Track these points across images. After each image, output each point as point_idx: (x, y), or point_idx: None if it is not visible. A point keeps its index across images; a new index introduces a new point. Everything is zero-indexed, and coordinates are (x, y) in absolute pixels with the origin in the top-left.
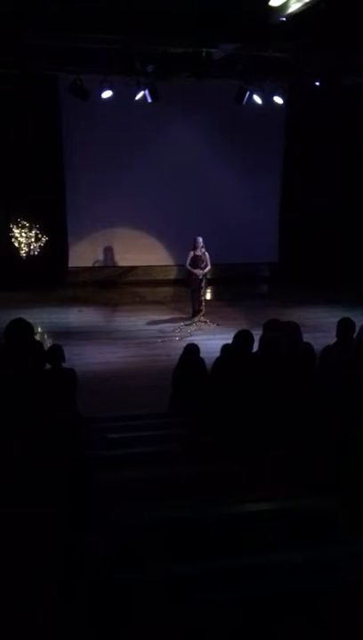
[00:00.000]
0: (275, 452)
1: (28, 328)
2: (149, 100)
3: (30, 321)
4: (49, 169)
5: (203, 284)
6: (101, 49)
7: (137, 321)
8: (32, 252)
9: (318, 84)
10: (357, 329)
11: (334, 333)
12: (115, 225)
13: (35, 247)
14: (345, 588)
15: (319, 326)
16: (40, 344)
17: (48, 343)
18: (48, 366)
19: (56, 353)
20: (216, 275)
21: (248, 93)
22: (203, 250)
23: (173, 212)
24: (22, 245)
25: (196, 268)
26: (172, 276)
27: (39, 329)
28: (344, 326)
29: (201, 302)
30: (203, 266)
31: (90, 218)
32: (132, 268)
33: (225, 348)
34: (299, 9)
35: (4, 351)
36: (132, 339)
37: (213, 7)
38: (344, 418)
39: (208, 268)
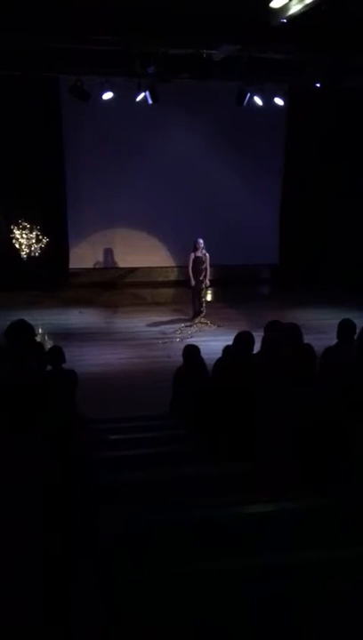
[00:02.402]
0: (276, 453)
1: (29, 329)
2: (150, 102)
3: (31, 322)
4: (50, 170)
5: (204, 286)
6: (102, 50)
7: (138, 322)
8: (33, 254)
9: (318, 85)
10: (357, 330)
11: (334, 335)
12: (115, 226)
13: (35, 248)
14: (346, 590)
15: (320, 327)
16: (41, 345)
17: (49, 344)
18: (49, 367)
19: (57, 354)
20: (217, 276)
21: (249, 95)
22: (204, 251)
23: (174, 213)
24: (23, 247)
25: (197, 269)
26: (172, 277)
27: (40, 330)
28: (345, 327)
29: (202, 303)
30: (203, 275)
31: (91, 219)
32: (132, 270)
33: (226, 349)
34: (299, 10)
35: (5, 352)
36: (132, 340)
37: (214, 9)
38: (345, 418)
39: (208, 271)
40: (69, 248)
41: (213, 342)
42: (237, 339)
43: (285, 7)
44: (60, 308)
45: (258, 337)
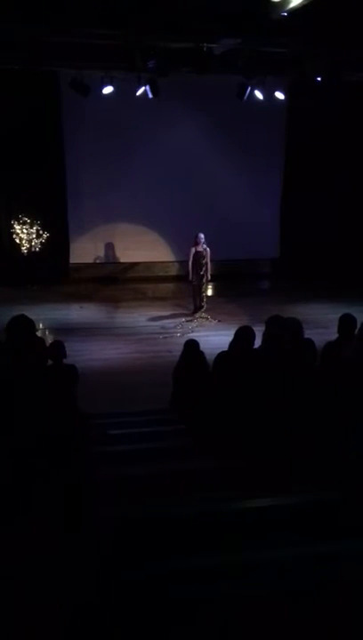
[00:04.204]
0: (276, 448)
1: (30, 324)
2: (150, 96)
3: (32, 317)
4: (50, 165)
5: (204, 281)
6: (102, 44)
7: (138, 317)
8: (33, 249)
9: (319, 79)
10: (358, 325)
11: (335, 329)
12: (116, 221)
13: (36, 243)
14: (346, 584)
15: (321, 322)
16: (41, 340)
17: (49, 339)
18: (49, 362)
19: (57, 349)
20: (218, 271)
21: (249, 89)
22: (204, 246)
23: (175, 208)
24: (23, 242)
25: (197, 264)
26: (173, 272)
27: (41, 325)
28: (346, 322)
29: (202, 298)
30: (204, 270)
31: (91, 214)
32: (133, 265)
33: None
34: (300, 4)
35: (6, 347)
36: (133, 335)
37: (214, 2)
38: (346, 413)
39: (208, 266)
40: (70, 243)
41: (213, 337)
42: (237, 333)
43: (285, 0)
44: (60, 303)
45: (259, 332)
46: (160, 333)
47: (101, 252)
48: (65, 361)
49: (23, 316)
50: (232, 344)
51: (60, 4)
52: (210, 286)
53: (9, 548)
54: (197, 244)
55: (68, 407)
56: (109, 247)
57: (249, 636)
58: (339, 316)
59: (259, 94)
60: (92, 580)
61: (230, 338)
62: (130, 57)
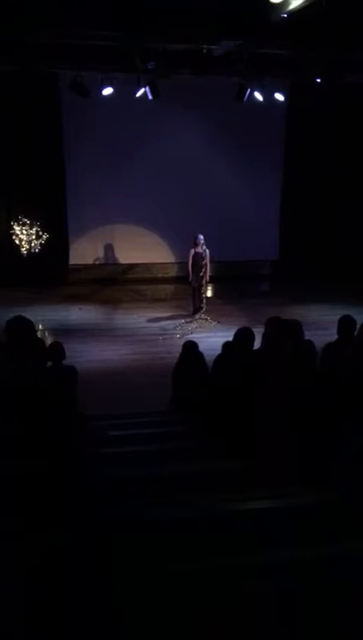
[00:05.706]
0: (276, 450)
1: (29, 326)
2: (150, 98)
3: (31, 319)
4: (50, 166)
5: (204, 282)
6: (102, 46)
7: (138, 318)
8: (33, 250)
9: (319, 80)
10: (357, 326)
11: (335, 331)
12: (115, 222)
13: (35, 245)
14: (346, 585)
15: (320, 324)
16: (41, 342)
17: (49, 341)
18: (49, 364)
19: (57, 350)
20: (217, 272)
21: (249, 90)
22: (204, 247)
23: (174, 209)
24: (23, 243)
25: (197, 265)
26: (172, 273)
27: (40, 327)
28: (345, 324)
29: (202, 300)
30: (203, 271)
31: (90, 215)
32: (132, 266)
33: (226, 345)
34: (300, 5)
35: (5, 348)
36: (132, 336)
37: (214, 4)
38: (345, 415)
39: (208, 267)
40: (69, 244)
41: (213, 338)
42: (237, 335)
43: (285, 2)
44: (60, 304)
45: (258, 333)
46: (159, 335)
47: (101, 254)
48: (64, 362)
49: (22, 317)
50: (232, 345)
51: (59, 6)
52: (209, 288)
53: (9, 549)
54: (196, 245)
55: (67, 408)
56: (109, 248)
57: (249, 637)
58: (339, 317)
59: (258, 96)
60: (91, 580)
61: (230, 339)
62: (130, 58)
